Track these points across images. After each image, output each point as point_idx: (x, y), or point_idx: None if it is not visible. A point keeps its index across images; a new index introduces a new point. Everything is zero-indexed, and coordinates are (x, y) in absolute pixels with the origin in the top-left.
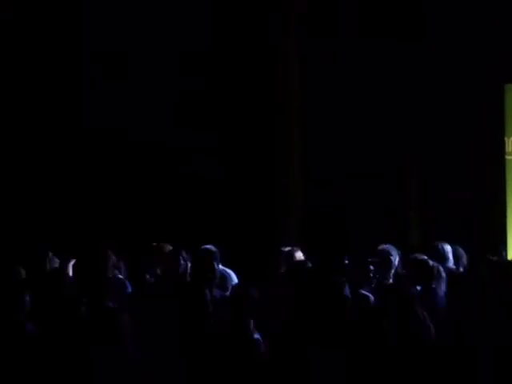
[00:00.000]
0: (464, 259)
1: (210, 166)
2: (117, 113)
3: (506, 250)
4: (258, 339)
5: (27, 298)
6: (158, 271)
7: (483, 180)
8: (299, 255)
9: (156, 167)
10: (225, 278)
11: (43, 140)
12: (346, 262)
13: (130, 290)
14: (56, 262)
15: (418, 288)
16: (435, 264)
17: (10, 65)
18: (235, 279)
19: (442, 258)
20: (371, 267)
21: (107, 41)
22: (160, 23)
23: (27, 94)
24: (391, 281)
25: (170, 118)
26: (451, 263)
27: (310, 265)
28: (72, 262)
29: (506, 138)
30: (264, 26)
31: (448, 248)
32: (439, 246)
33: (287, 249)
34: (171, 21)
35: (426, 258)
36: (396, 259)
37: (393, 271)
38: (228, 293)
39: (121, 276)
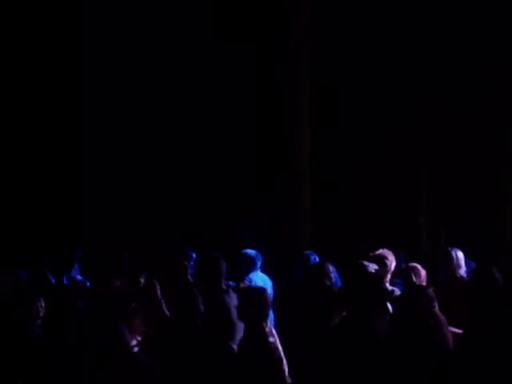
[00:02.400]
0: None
1: (213, 168)
2: (117, 114)
3: None
4: (273, 342)
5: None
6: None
7: (492, 183)
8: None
9: (156, 169)
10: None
11: (43, 141)
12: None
13: None
14: None
15: None
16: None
17: (10, 66)
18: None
19: (454, 265)
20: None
21: (107, 41)
22: (161, 24)
23: (28, 96)
24: (388, 285)
25: (171, 119)
26: (463, 271)
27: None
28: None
29: None
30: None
31: (461, 255)
32: (452, 252)
33: (305, 253)
34: (172, 22)
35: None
36: (392, 264)
37: (389, 276)
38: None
39: None
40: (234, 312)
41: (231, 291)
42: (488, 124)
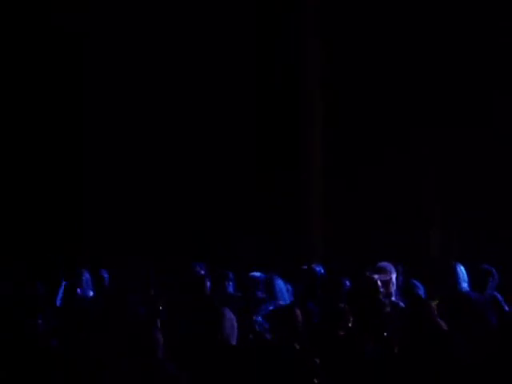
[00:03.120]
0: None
1: (213, 169)
2: (116, 113)
3: None
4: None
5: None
6: None
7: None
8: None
9: (155, 169)
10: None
11: (43, 141)
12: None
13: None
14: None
15: None
16: None
17: (10, 66)
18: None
19: (458, 279)
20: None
21: (107, 40)
22: (161, 23)
23: (27, 96)
24: (393, 298)
25: (171, 119)
26: (466, 284)
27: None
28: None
29: None
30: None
31: (463, 269)
32: (456, 266)
33: (312, 265)
34: (171, 21)
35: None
36: (394, 276)
37: (394, 288)
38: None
39: None
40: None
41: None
42: (490, 125)
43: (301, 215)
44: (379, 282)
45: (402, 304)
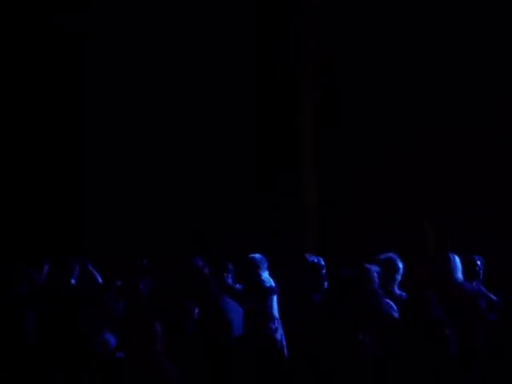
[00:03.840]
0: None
1: (213, 169)
2: (116, 113)
3: None
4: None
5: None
6: None
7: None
8: None
9: (155, 169)
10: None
11: (44, 142)
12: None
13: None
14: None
15: None
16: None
17: (10, 65)
18: None
19: (453, 268)
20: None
21: (107, 40)
22: (161, 23)
23: (28, 96)
24: (396, 288)
25: (171, 119)
26: (460, 274)
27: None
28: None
29: None
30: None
31: (458, 259)
32: (451, 256)
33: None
34: (171, 21)
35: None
36: (401, 267)
37: (399, 278)
38: None
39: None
40: (231, 314)
41: (224, 296)
42: (490, 125)
43: (300, 215)
44: (375, 274)
45: (404, 296)
